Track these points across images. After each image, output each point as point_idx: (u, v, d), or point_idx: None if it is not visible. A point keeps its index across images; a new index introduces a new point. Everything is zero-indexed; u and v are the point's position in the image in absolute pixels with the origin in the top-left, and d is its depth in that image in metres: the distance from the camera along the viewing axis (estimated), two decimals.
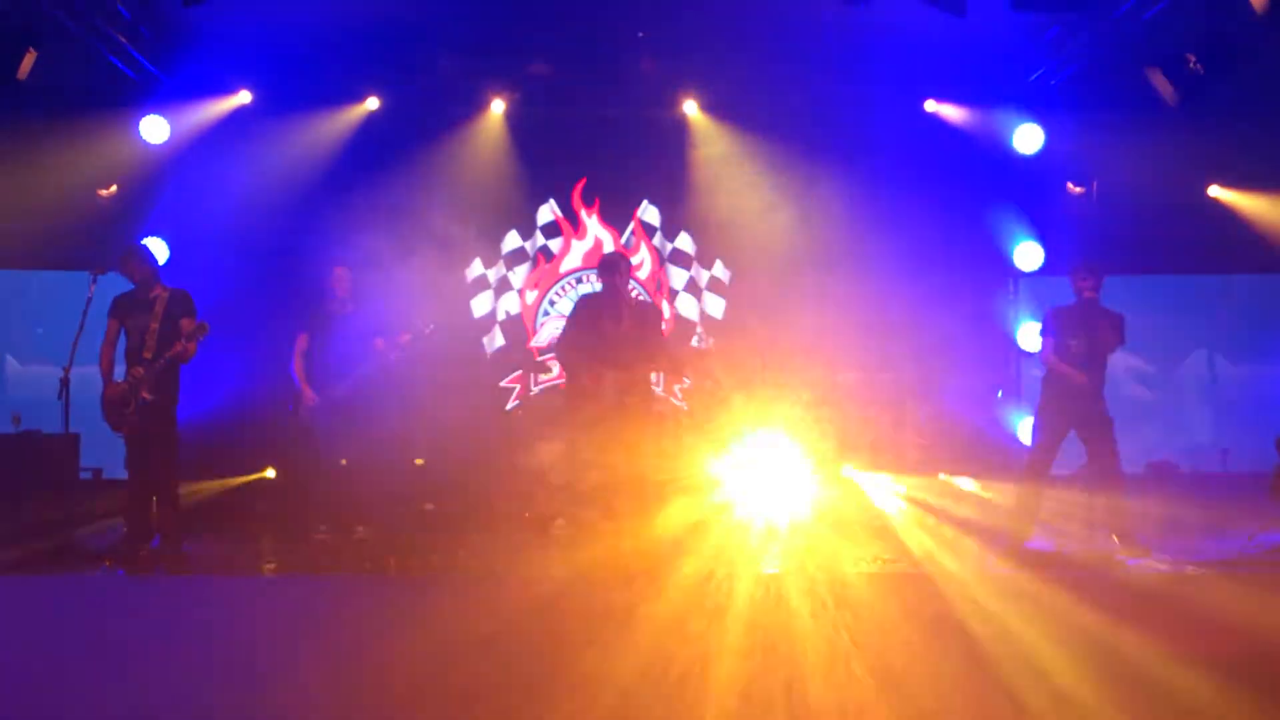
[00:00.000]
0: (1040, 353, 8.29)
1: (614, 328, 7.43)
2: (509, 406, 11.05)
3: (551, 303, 11.33)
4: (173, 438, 8.04)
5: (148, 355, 7.84)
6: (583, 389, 7.48)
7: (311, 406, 8.86)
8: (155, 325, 7.88)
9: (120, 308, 8.08)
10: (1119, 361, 8.73)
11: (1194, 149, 10.47)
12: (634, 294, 7.69)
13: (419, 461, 10.33)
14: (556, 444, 10.07)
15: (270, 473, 10.41)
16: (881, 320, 10.18)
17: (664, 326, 8.35)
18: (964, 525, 9.63)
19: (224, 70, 10.45)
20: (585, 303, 7.67)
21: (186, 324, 7.86)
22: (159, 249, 10.21)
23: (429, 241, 10.58)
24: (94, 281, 7.93)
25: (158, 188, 10.53)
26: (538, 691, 6.10)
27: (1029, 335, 10.65)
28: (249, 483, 10.38)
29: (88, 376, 8.08)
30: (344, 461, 8.85)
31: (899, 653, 6.23)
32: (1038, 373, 8.53)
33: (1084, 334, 7.97)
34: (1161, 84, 8.25)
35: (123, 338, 8.06)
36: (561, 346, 7.72)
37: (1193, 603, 6.65)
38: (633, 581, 7.13)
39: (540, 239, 11.38)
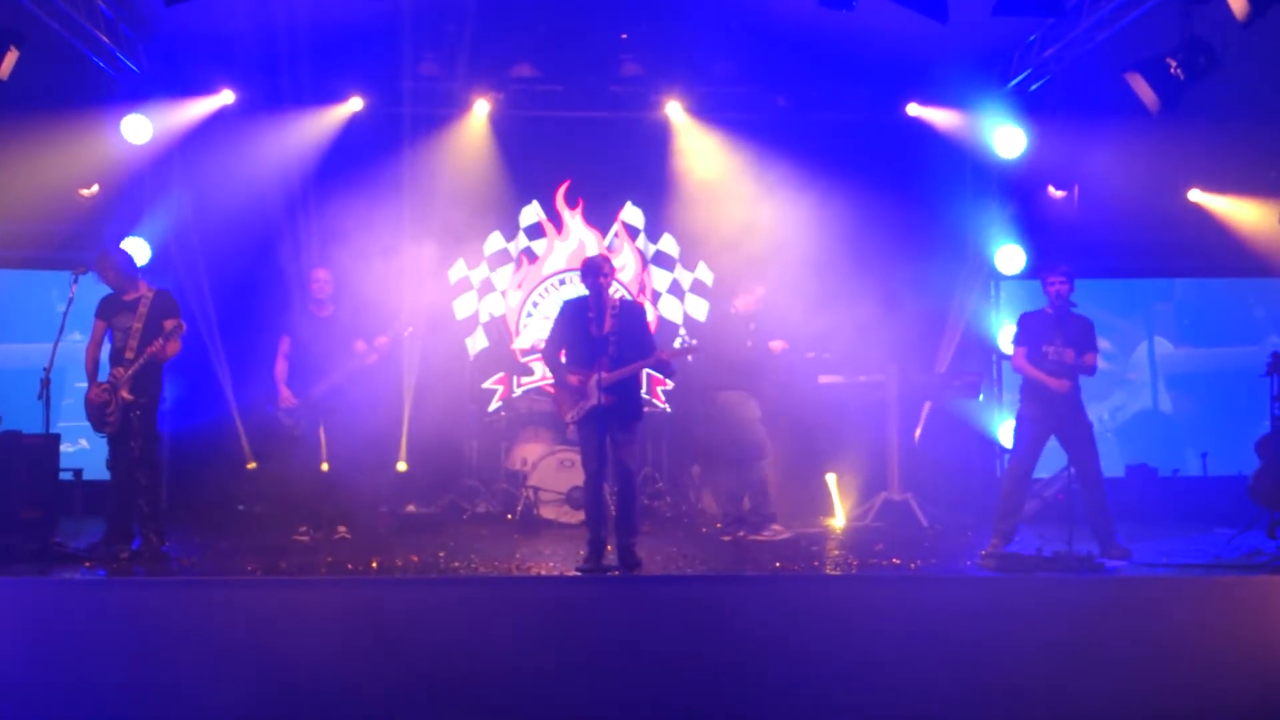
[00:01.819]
0: (1013, 360, 8.31)
1: (599, 330, 7.43)
2: (491, 408, 11.03)
3: (535, 304, 11.33)
4: (154, 438, 8.02)
5: (130, 355, 7.82)
6: (570, 390, 7.48)
7: (289, 407, 8.84)
8: (139, 326, 7.86)
9: (106, 309, 8.06)
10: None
11: (1174, 153, 10.55)
12: (616, 295, 7.66)
13: (401, 467, 10.33)
14: (540, 445, 10.09)
15: (252, 465, 10.36)
16: (862, 322, 10.19)
17: (650, 324, 8.33)
18: (947, 528, 9.68)
19: (206, 70, 10.42)
20: (569, 307, 7.67)
21: (168, 324, 7.84)
22: (140, 249, 10.17)
23: (411, 242, 10.58)
24: (75, 281, 7.90)
25: (139, 187, 10.50)
26: (521, 694, 6.11)
27: (1009, 339, 10.68)
28: (231, 483, 10.35)
29: (69, 376, 8.07)
30: (325, 466, 8.83)
31: (886, 654, 6.26)
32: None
33: (1058, 340, 7.98)
34: (1142, 89, 8.27)
35: (110, 340, 8.04)
36: (548, 350, 7.73)
37: (1172, 606, 6.68)
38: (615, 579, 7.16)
39: (524, 240, 11.38)
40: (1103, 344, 11.23)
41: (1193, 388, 12.00)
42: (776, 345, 9.36)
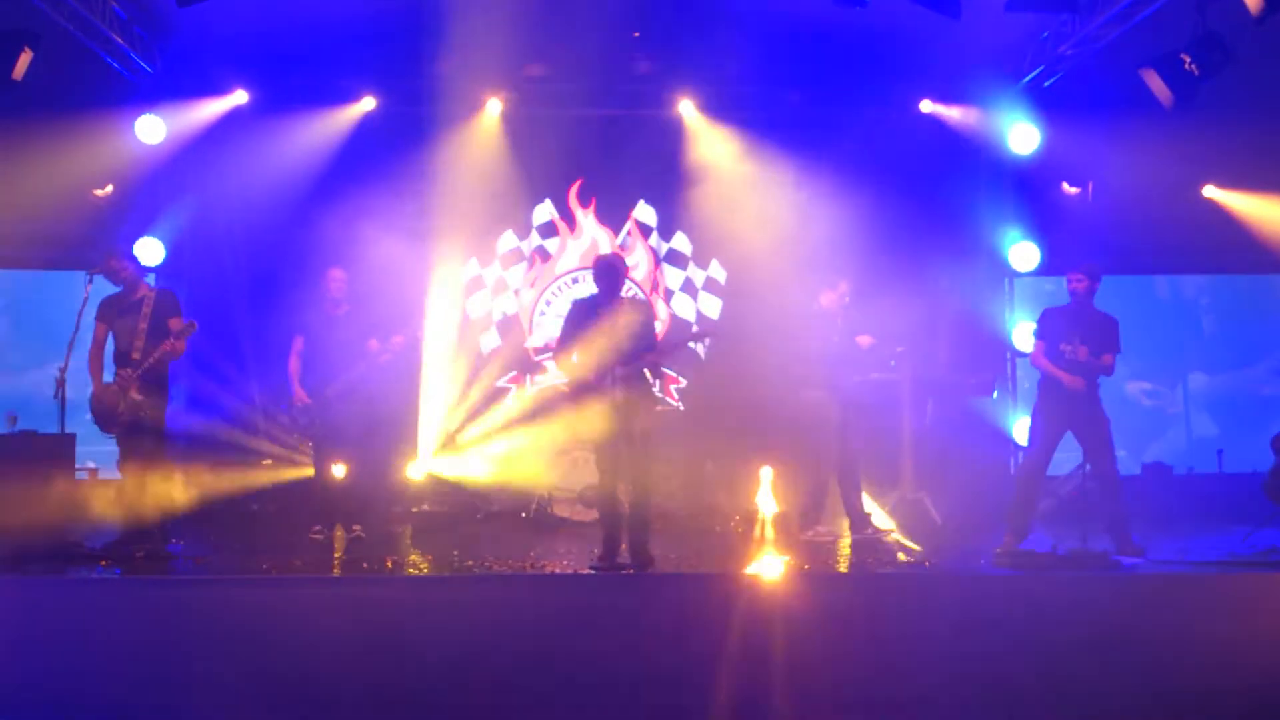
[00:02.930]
0: (1031, 355, 8.28)
1: (611, 326, 7.41)
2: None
3: (548, 303, 11.33)
4: (163, 437, 8.04)
5: (136, 356, 7.83)
6: (587, 387, 7.44)
7: (302, 406, 8.84)
8: (144, 326, 7.87)
9: (108, 310, 8.07)
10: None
11: (1189, 149, 10.47)
12: (629, 293, 7.64)
13: (415, 479, 10.35)
14: (558, 445, 10.08)
15: (267, 463, 10.38)
16: (876, 321, 10.16)
17: (658, 325, 8.30)
18: (961, 525, 9.65)
19: (219, 70, 10.45)
20: (578, 306, 7.64)
21: (174, 323, 7.86)
22: (155, 249, 10.21)
23: (425, 242, 10.59)
24: (89, 281, 7.93)
25: (153, 188, 10.53)
26: (535, 692, 6.11)
27: (1024, 335, 10.65)
28: (243, 482, 10.36)
29: (84, 376, 8.09)
30: (339, 468, 8.84)
31: (900, 651, 6.25)
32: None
33: (1076, 337, 7.95)
34: (1156, 85, 8.24)
35: (112, 341, 8.05)
36: (560, 351, 7.69)
37: (1187, 603, 6.65)
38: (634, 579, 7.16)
39: (536, 239, 11.39)
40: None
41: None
42: (864, 340, 9.34)
